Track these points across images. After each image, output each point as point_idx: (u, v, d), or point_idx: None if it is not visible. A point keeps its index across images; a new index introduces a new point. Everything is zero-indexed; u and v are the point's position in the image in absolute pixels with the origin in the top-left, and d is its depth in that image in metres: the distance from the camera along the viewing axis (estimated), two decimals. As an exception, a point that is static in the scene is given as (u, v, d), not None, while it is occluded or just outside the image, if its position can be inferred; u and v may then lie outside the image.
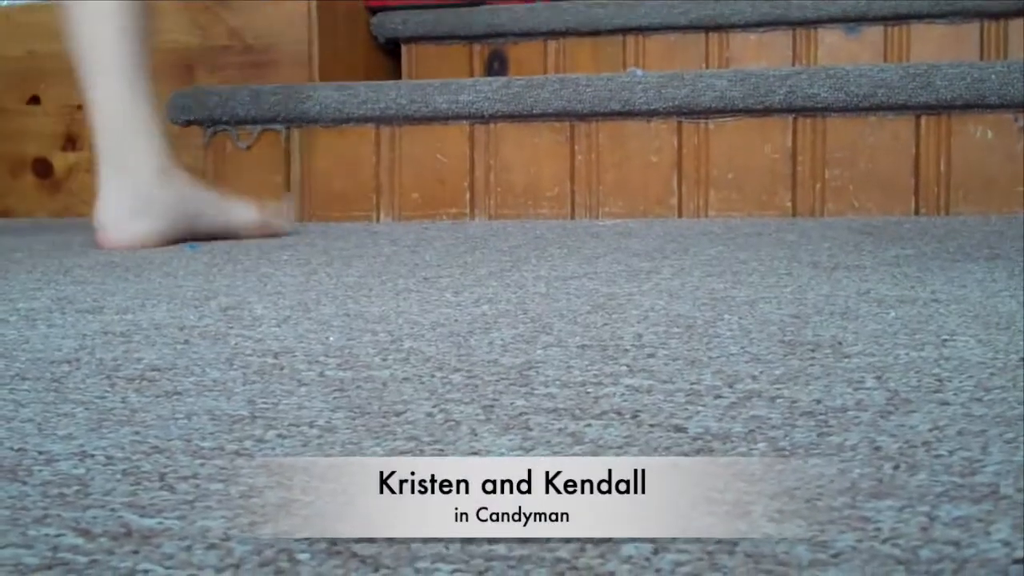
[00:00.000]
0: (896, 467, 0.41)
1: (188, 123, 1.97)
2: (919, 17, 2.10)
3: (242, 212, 1.54)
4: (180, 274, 1.11)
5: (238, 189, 1.94)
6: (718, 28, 2.18)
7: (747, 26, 2.20)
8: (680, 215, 1.71)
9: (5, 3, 2.56)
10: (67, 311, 0.87)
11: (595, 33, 2.28)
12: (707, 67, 2.16)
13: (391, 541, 0.34)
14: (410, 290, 0.95)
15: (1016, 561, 0.32)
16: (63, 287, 1.02)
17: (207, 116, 1.96)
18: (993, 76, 1.58)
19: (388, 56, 2.45)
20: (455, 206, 1.84)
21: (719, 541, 0.34)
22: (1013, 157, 1.60)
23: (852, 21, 2.15)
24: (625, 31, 2.24)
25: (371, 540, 0.34)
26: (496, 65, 2.39)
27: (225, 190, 1.93)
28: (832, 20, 2.16)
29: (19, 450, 0.46)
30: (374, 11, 2.41)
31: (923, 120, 1.63)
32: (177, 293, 0.96)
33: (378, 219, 1.88)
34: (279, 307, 0.86)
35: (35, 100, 2.35)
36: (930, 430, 0.46)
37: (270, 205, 1.62)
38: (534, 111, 1.79)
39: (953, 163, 1.62)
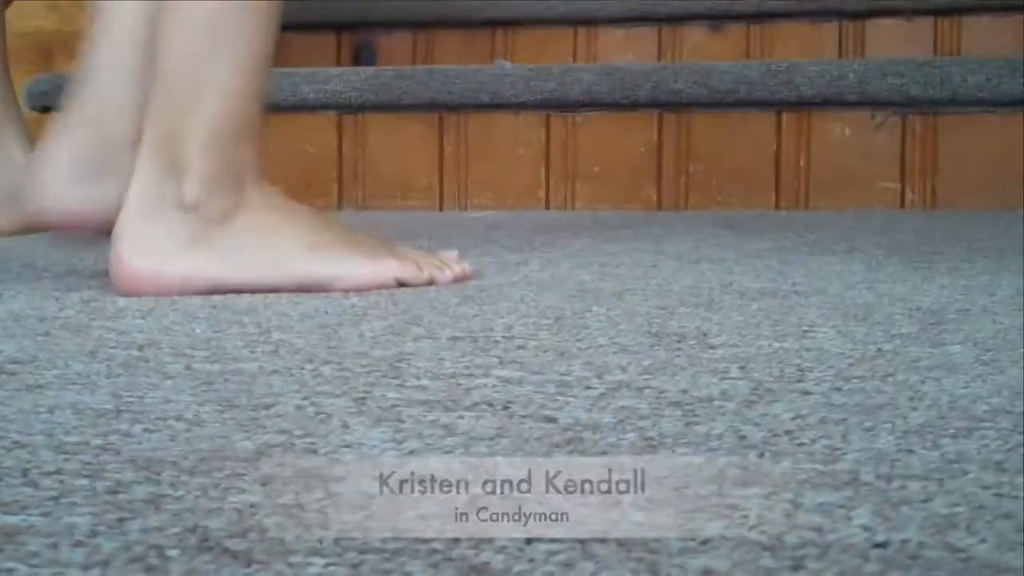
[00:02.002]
0: (761, 455, 0.42)
1: (46, 109, 1.92)
2: (781, 15, 2.14)
3: None
4: (40, 264, 1.09)
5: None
6: (586, 23, 2.19)
7: (615, 21, 2.22)
8: (548, 207, 1.72)
9: None
10: (-80, 302, 0.84)
11: (465, 25, 2.28)
12: (575, 61, 2.18)
13: (263, 535, 0.34)
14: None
15: (876, 545, 0.33)
16: (-85, 277, 0.99)
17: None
18: (851, 74, 1.63)
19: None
20: (322, 197, 1.82)
21: (591, 530, 0.34)
22: (869, 153, 1.65)
23: (716, 18, 2.19)
24: (495, 24, 2.24)
25: (243, 535, 0.34)
26: (365, 55, 2.38)
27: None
28: (697, 17, 2.20)
29: None
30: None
31: (784, 116, 1.67)
32: (37, 283, 0.94)
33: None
34: (144, 298, 0.84)
35: None
36: (793, 419, 0.47)
37: None
38: (403, 102, 1.78)
39: (812, 159, 1.66)
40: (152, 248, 0.87)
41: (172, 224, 0.87)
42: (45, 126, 1.90)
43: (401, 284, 0.90)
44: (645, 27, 2.22)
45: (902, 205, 1.63)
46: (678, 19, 2.21)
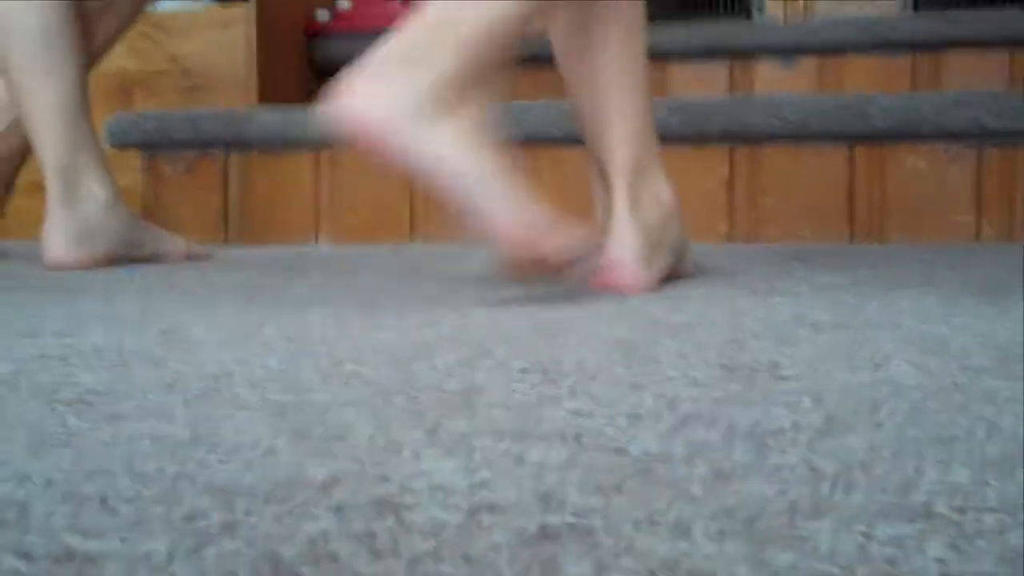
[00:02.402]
0: (833, 487, 0.42)
1: (125, 147, 1.96)
2: (854, 48, 2.14)
3: (172, 242, 1.55)
4: (116, 297, 1.11)
5: (176, 213, 1.93)
6: (657, 57, 2.19)
7: (685, 56, 2.22)
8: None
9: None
10: (4, 333, 0.86)
11: (533, 60, 2.29)
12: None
13: (335, 562, 0.34)
14: (350, 314, 0.95)
15: (950, 577, 0.32)
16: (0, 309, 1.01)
17: (144, 140, 1.95)
18: (925, 106, 1.61)
19: (327, 83, 2.45)
20: (395, 231, 1.84)
21: (662, 560, 0.34)
22: (945, 187, 1.63)
23: (788, 52, 2.18)
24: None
25: (315, 562, 0.34)
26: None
27: (162, 214, 1.92)
28: (769, 50, 2.20)
29: (-43, 474, 0.45)
30: (313, 37, 2.41)
31: (857, 149, 1.66)
32: (113, 316, 0.96)
33: (317, 242, 1.87)
34: (218, 330, 0.86)
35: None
36: (866, 451, 0.47)
37: (192, 242, 1.62)
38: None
39: (887, 191, 1.65)
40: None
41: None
42: (125, 162, 1.94)
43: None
44: (716, 62, 2.22)
45: (977, 238, 1.62)
46: (749, 53, 2.21)
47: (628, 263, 1.07)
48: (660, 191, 1.13)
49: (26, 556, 0.35)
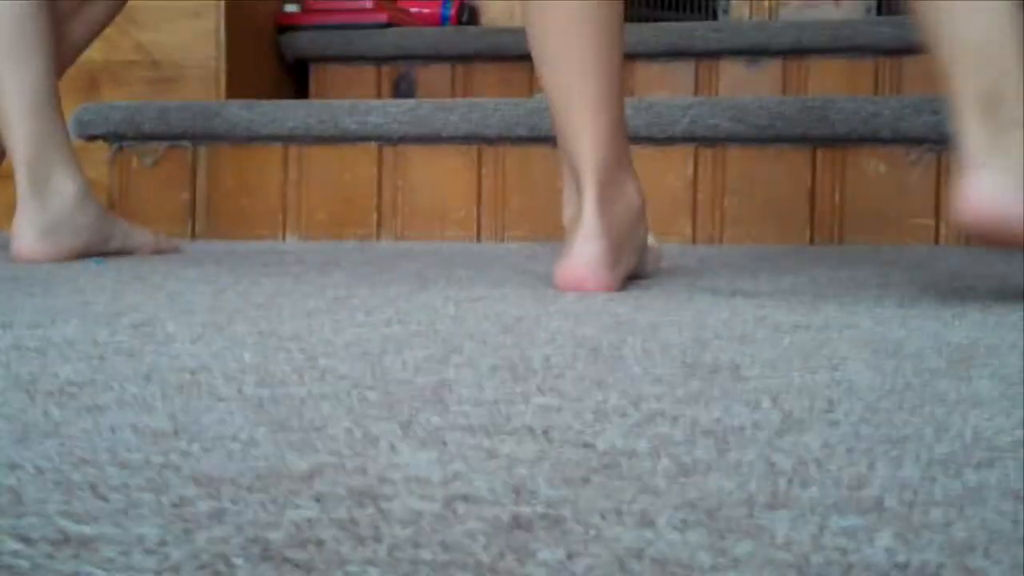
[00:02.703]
0: (790, 482, 0.44)
1: (92, 138, 1.97)
2: (818, 51, 2.17)
3: (140, 235, 1.56)
4: (88, 290, 1.12)
5: (143, 206, 1.94)
6: (624, 57, 2.22)
7: (651, 56, 2.25)
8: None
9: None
10: (-23, 325, 0.87)
11: (502, 59, 2.31)
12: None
13: (320, 547, 0.36)
14: (321, 310, 0.97)
15: (897, 566, 0.35)
16: (-30, 301, 1.02)
17: (112, 131, 1.95)
18: (887, 111, 1.65)
19: (295, 75, 2.46)
20: (362, 227, 1.86)
21: (628, 548, 0.36)
22: (905, 190, 1.66)
23: (753, 54, 2.21)
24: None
25: (302, 546, 0.36)
26: (404, 87, 2.42)
27: (130, 207, 1.93)
28: (734, 52, 2.22)
29: (-53, 461, 0.47)
30: (282, 30, 2.42)
31: (819, 152, 1.69)
32: (87, 309, 0.97)
33: (284, 238, 1.88)
34: (191, 325, 0.87)
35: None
36: (821, 448, 0.49)
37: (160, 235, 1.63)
38: (442, 134, 1.82)
39: (847, 195, 1.68)
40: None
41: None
42: (92, 154, 1.95)
43: None
44: (681, 62, 2.25)
45: (936, 241, 1.65)
46: (715, 54, 2.23)
47: (594, 263, 1.09)
48: (629, 191, 1.15)
49: (25, 539, 0.36)
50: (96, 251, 1.49)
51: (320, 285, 1.16)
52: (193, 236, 1.91)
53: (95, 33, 1.61)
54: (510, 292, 1.09)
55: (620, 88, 1.16)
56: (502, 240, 1.79)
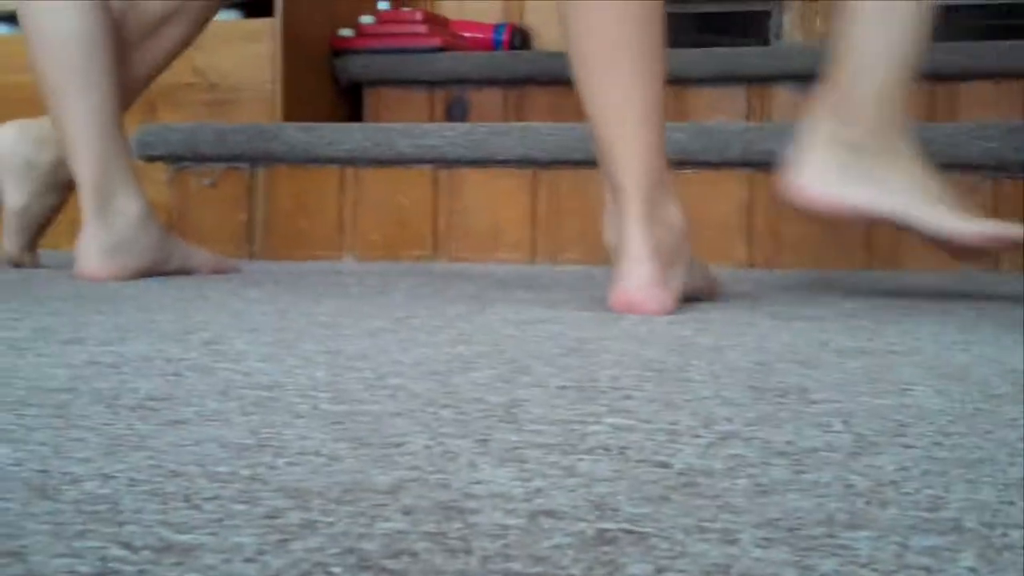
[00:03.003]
0: (868, 502, 0.45)
1: (152, 159, 1.99)
2: (871, 77, 2.16)
3: (199, 255, 1.58)
4: (153, 308, 1.14)
5: (201, 226, 1.96)
6: (676, 82, 2.23)
7: (703, 81, 2.26)
8: (638, 263, 1.75)
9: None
10: (50, 341, 0.89)
11: (554, 83, 2.33)
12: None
13: (414, 558, 0.37)
14: (384, 329, 0.98)
15: (983, 585, 0.35)
16: (40, 318, 1.04)
17: (171, 153, 1.98)
18: (942, 137, 1.64)
19: (350, 98, 2.48)
20: (417, 248, 1.87)
21: (714, 563, 0.37)
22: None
23: (806, 79, 2.21)
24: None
25: (396, 557, 0.37)
26: (457, 111, 2.44)
27: (188, 227, 1.95)
28: (786, 77, 2.23)
29: (42, 471, 0.48)
30: (337, 53, 2.45)
31: (874, 178, 1.68)
32: (155, 326, 0.99)
33: (340, 258, 1.90)
34: (259, 343, 0.89)
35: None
36: (896, 470, 0.50)
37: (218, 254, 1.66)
38: (497, 157, 1.83)
39: (902, 220, 1.67)
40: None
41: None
42: (151, 174, 1.98)
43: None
44: (734, 87, 2.25)
45: (996, 267, 1.64)
46: (767, 79, 2.24)
47: (646, 286, 1.10)
48: (671, 211, 1.16)
49: (128, 546, 0.38)
50: (158, 270, 1.51)
51: (381, 305, 1.18)
52: (251, 256, 1.93)
53: (169, 59, 1.63)
54: (569, 314, 1.10)
55: (662, 110, 1.17)
56: (556, 263, 1.80)
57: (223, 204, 1.97)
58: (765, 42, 2.64)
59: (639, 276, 1.10)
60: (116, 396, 0.66)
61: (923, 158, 1.22)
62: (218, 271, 1.59)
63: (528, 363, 0.80)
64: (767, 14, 2.61)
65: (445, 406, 0.64)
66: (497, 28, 2.60)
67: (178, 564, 0.36)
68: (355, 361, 0.80)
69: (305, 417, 0.60)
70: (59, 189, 1.61)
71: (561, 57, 2.30)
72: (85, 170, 1.47)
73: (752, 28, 2.70)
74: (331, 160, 1.91)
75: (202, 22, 1.63)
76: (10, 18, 2.52)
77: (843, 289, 1.36)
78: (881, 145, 1.21)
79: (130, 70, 1.57)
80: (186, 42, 1.63)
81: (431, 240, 1.87)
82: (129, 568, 0.36)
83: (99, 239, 1.46)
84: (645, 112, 1.14)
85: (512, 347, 0.88)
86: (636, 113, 1.14)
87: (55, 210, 1.64)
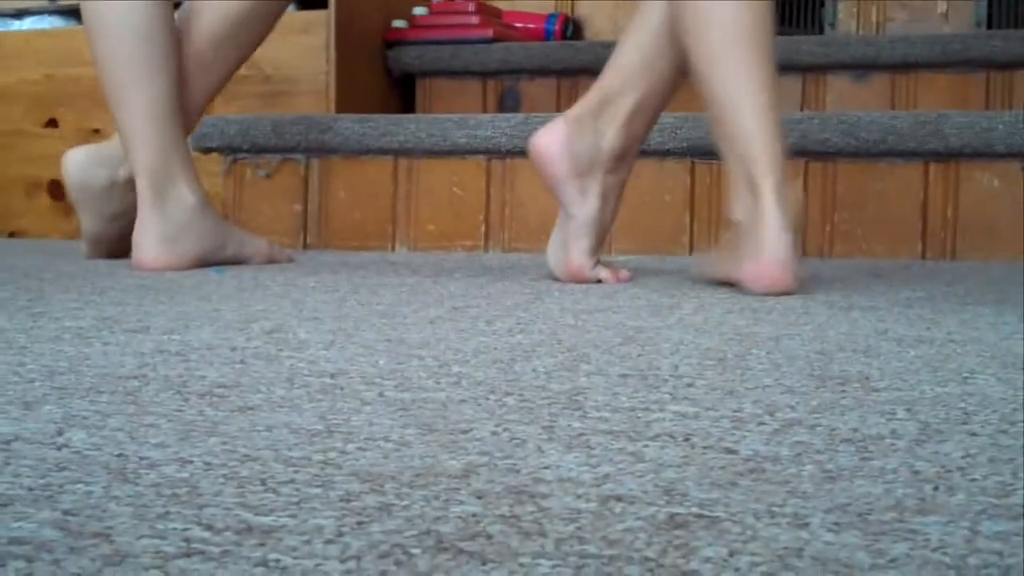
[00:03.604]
0: (936, 488, 0.45)
1: (208, 150, 2.02)
2: (927, 66, 2.15)
3: (254, 244, 1.60)
4: (214, 298, 1.15)
5: (256, 217, 1.98)
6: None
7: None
8: (691, 253, 1.75)
9: (25, 27, 2.61)
10: (115, 330, 0.90)
11: (608, 73, 2.32)
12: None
13: (490, 540, 0.38)
14: (443, 318, 0.99)
15: (1056, 570, 0.35)
16: (103, 307, 1.06)
17: (227, 144, 2.00)
18: (1000, 125, 1.63)
19: (402, 89, 2.50)
20: (470, 238, 1.88)
21: (786, 547, 0.37)
22: (1017, 205, 1.64)
23: (861, 68, 2.20)
24: (638, 72, 2.28)
25: (472, 539, 0.38)
26: (509, 101, 2.44)
27: (243, 217, 1.97)
28: (841, 66, 2.21)
29: (120, 456, 0.49)
30: (390, 45, 2.46)
31: (931, 167, 1.68)
32: (217, 316, 1.00)
33: (394, 249, 1.91)
34: (321, 331, 0.90)
35: (53, 123, 2.40)
36: (963, 457, 0.50)
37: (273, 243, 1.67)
38: (551, 148, 1.83)
39: (960, 210, 1.67)
40: None
41: None
42: (208, 166, 2.00)
43: None
44: (788, 76, 2.24)
45: (1050, 257, 1.63)
46: (822, 68, 2.23)
47: (787, 262, 1.14)
48: (792, 191, 1.19)
49: (210, 528, 0.39)
50: (214, 259, 1.52)
51: (438, 295, 1.19)
52: (305, 246, 1.95)
53: (243, 60, 1.65)
54: (625, 303, 1.10)
55: (778, 92, 1.21)
56: (608, 253, 1.80)
57: (278, 195, 1.98)
58: (820, 31, 2.63)
59: (781, 253, 1.15)
60: (185, 383, 0.67)
61: None
62: (272, 260, 1.60)
63: (587, 351, 0.80)
64: (821, 3, 2.60)
65: (509, 394, 0.64)
66: (549, 18, 2.60)
67: (260, 545, 0.37)
68: (417, 349, 0.81)
69: (371, 404, 0.61)
70: (132, 208, 1.61)
71: (613, 47, 2.30)
72: (142, 159, 1.49)
73: (806, 18, 2.68)
74: (385, 151, 1.92)
75: (273, 21, 1.65)
76: (71, 12, 2.56)
77: (898, 279, 1.36)
78: None
79: (208, 73, 1.59)
80: (260, 42, 1.66)
81: (484, 230, 1.87)
82: (213, 548, 0.37)
83: (156, 229, 1.47)
84: (772, 97, 1.19)
85: (570, 336, 0.88)
86: (766, 98, 1.19)
87: (131, 227, 1.64)
